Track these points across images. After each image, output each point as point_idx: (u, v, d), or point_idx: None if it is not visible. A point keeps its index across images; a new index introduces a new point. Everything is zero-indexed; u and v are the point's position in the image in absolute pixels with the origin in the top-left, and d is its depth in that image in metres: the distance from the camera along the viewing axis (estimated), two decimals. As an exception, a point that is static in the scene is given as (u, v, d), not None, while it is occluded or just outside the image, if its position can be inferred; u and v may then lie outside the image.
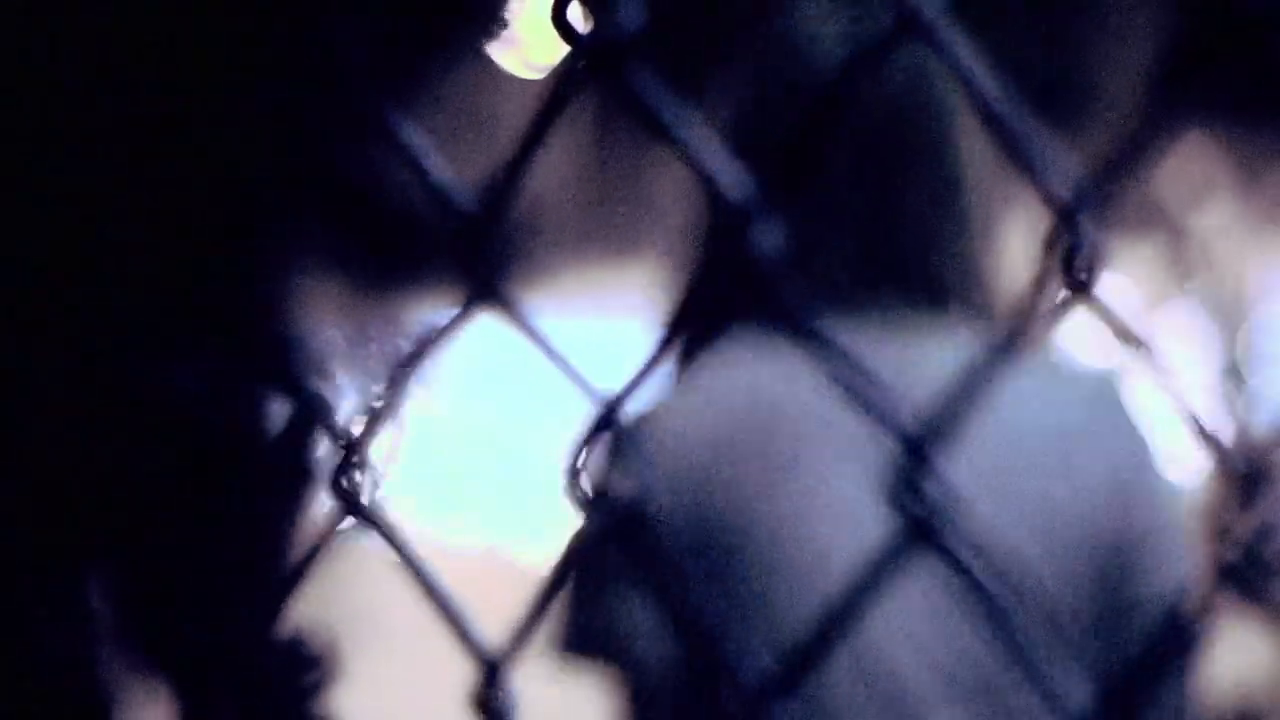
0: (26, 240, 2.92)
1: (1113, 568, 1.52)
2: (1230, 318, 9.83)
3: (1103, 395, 1.48)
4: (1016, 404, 1.32)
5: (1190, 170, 10.17)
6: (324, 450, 1.48)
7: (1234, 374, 10.02)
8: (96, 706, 2.07)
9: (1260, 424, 10.66)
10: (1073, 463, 1.43)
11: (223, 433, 1.79)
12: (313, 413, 1.55)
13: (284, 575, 1.41)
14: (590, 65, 0.94)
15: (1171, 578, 1.60)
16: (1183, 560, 1.63)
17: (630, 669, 1.49)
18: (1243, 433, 10.51)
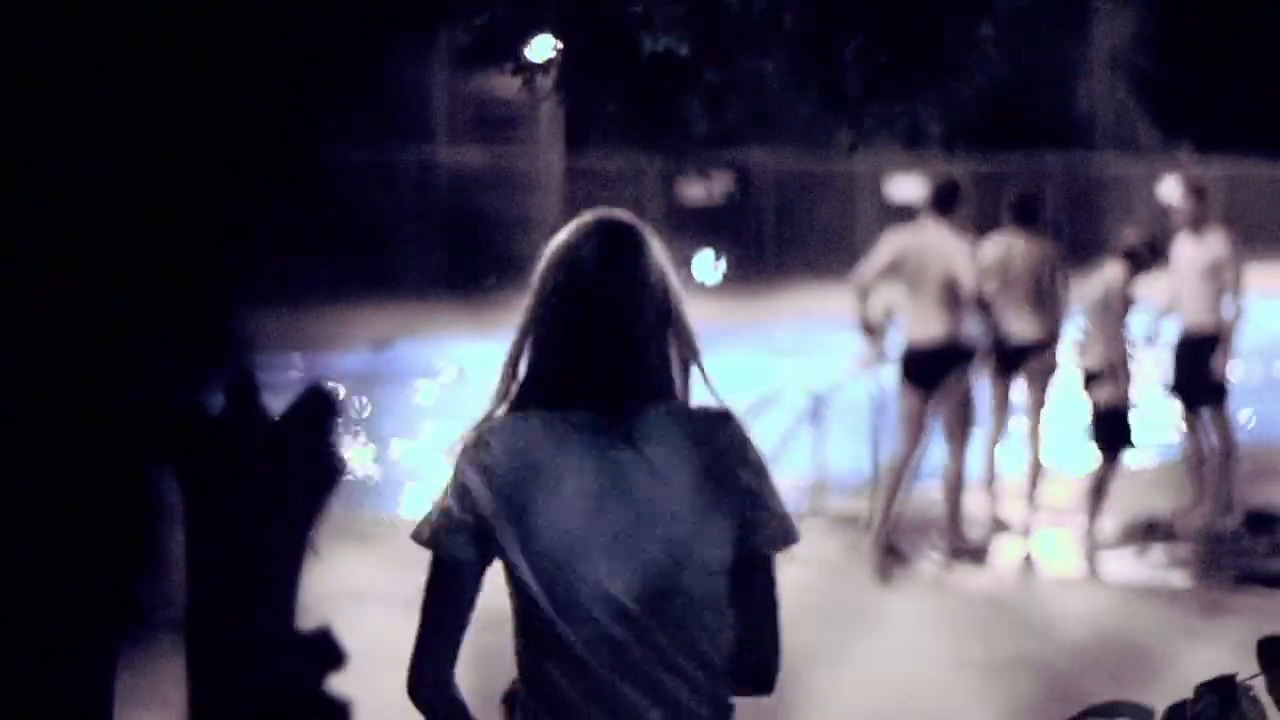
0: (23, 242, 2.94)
1: (742, 521, 2.70)
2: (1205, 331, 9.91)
3: (726, 422, 2.73)
4: (682, 427, 2.70)
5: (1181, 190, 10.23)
6: (334, 445, 1.53)
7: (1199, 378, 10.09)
8: (104, 698, 2.11)
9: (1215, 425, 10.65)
10: (714, 454, 2.69)
11: (228, 429, 1.83)
12: (320, 411, 1.59)
13: (292, 566, 1.45)
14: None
15: (775, 527, 2.73)
16: (777, 519, 2.73)
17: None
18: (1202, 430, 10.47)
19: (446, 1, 3.70)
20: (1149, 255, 9.70)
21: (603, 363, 2.69)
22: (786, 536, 2.77)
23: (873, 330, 9.47)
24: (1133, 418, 9.71)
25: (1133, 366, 9.71)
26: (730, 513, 2.70)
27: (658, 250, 2.77)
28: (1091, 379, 9.66)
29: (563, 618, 2.66)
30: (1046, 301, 9.74)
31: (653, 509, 2.67)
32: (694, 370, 2.76)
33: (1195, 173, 11.14)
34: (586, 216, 2.78)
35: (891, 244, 9.42)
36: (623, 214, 2.78)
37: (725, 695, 2.75)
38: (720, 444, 2.71)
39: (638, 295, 2.71)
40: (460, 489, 2.70)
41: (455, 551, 2.69)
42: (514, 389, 2.73)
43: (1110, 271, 9.64)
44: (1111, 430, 9.64)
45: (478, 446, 2.70)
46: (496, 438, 2.69)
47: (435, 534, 2.70)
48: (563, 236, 2.77)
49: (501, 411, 2.74)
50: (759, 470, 2.75)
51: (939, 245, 9.25)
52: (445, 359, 21.44)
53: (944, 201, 9.38)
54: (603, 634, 2.65)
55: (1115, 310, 9.57)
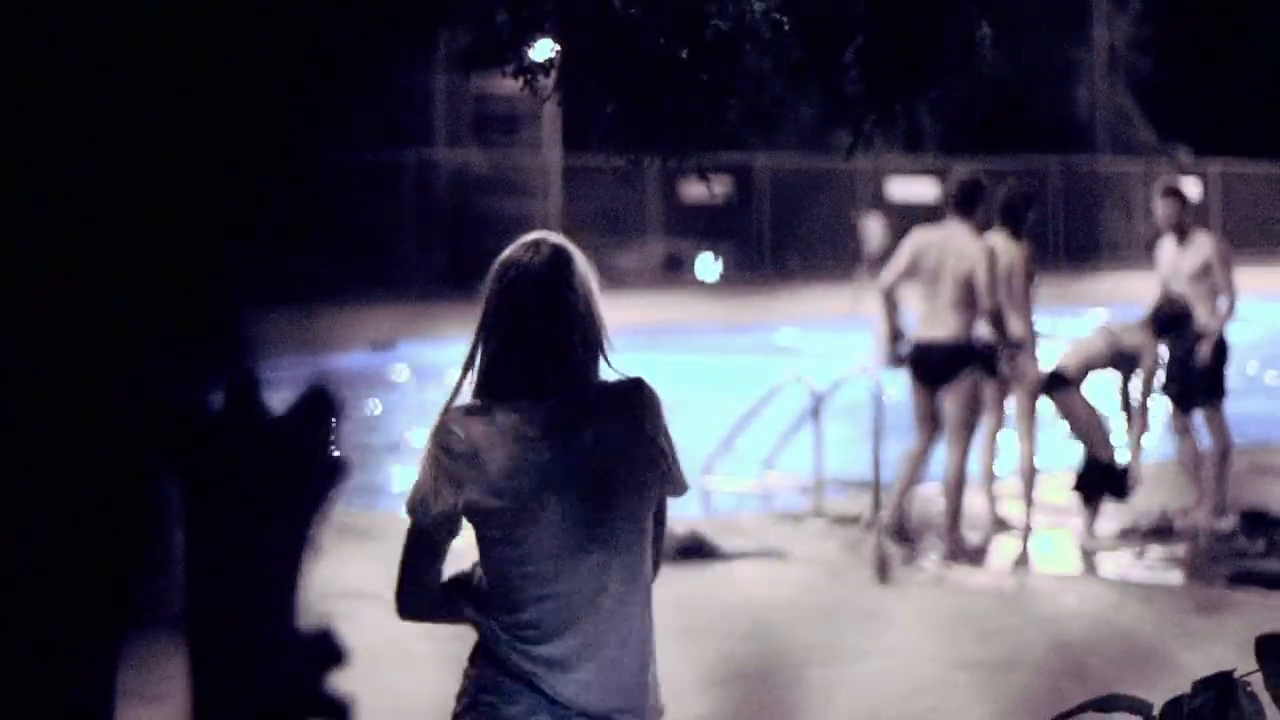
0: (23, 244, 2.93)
1: (656, 471, 3.32)
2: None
3: (640, 389, 3.31)
4: (607, 401, 3.30)
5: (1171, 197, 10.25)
6: (335, 445, 1.53)
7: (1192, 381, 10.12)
8: (105, 697, 2.11)
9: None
10: (632, 417, 3.31)
11: (228, 429, 1.83)
12: (321, 410, 1.60)
13: (293, 565, 1.46)
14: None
15: (678, 478, 3.36)
16: (678, 471, 3.35)
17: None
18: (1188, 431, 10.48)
19: (446, 3, 3.71)
20: (1177, 321, 9.76)
21: (539, 359, 3.28)
22: (682, 485, 3.37)
23: (896, 334, 9.54)
24: (1123, 470, 9.81)
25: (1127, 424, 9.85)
26: (648, 463, 3.30)
27: (581, 263, 3.35)
28: (1062, 382, 9.69)
29: (521, 560, 3.22)
30: (1026, 302, 9.76)
31: (590, 472, 3.24)
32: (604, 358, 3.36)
33: (1174, 177, 11.19)
34: (526, 237, 3.38)
35: (911, 244, 9.45)
36: (555, 236, 3.38)
37: (648, 607, 3.34)
38: (636, 408, 3.30)
39: (565, 302, 3.30)
40: (431, 467, 3.26)
41: (428, 519, 3.27)
42: (470, 382, 3.32)
43: (1140, 337, 9.71)
44: (1099, 481, 9.73)
45: (445, 432, 3.25)
46: (459, 424, 3.26)
47: (412, 506, 3.29)
48: (506, 254, 3.36)
49: (462, 401, 3.30)
50: (665, 429, 3.33)
51: (958, 245, 9.27)
52: (444, 359, 21.44)
53: (965, 201, 9.40)
54: (557, 563, 3.23)
55: (1144, 374, 9.72)
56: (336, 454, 2.74)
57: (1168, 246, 10.19)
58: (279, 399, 3.75)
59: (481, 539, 3.25)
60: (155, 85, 3.88)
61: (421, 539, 3.28)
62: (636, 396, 3.31)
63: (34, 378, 3.86)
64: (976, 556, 9.47)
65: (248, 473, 3.04)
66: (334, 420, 3.53)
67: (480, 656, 3.28)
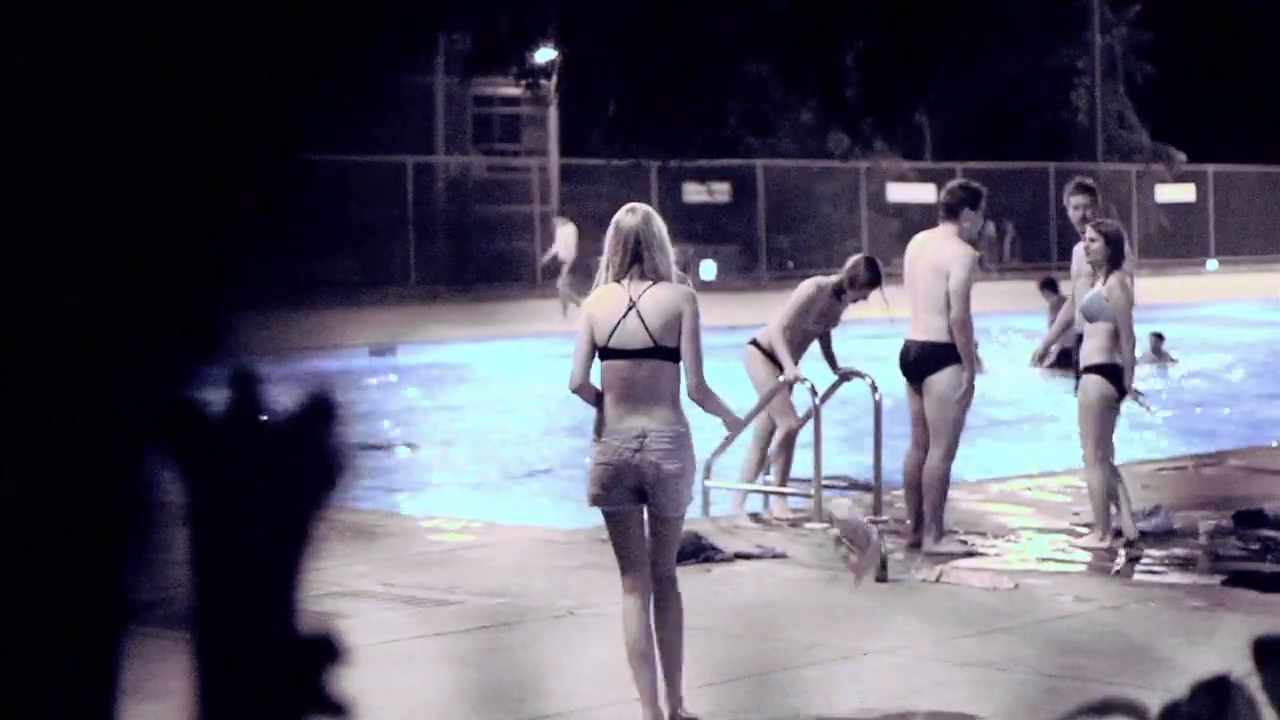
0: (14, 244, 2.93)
1: (684, 323, 6.75)
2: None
3: (688, 292, 6.66)
4: (668, 290, 6.73)
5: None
6: (335, 445, 1.53)
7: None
8: (106, 698, 2.12)
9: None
10: (679, 300, 6.72)
11: (228, 429, 1.83)
12: (321, 410, 1.60)
13: (293, 565, 1.46)
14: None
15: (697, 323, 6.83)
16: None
17: None
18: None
19: (448, 8, 3.73)
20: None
21: (632, 264, 6.42)
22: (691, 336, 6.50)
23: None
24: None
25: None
26: (679, 323, 6.37)
27: (658, 218, 6.55)
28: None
29: (606, 364, 6.38)
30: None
31: (648, 318, 6.36)
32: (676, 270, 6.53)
33: (1085, 175, 11.18)
34: (627, 205, 6.62)
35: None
36: (642, 205, 6.63)
37: (681, 412, 6.38)
38: (682, 298, 6.41)
39: (649, 236, 6.43)
40: (580, 316, 6.63)
41: (582, 332, 6.50)
42: (601, 278, 6.47)
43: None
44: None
45: (589, 299, 6.57)
46: (591, 295, 6.58)
47: (580, 329, 6.54)
48: (618, 214, 6.52)
49: (598, 286, 6.49)
50: (696, 311, 6.43)
51: (932, 250, 9.57)
52: (443, 361, 21.49)
53: (949, 207, 9.71)
54: (624, 372, 6.34)
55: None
56: (336, 454, 2.75)
57: (1079, 248, 10.10)
58: (279, 399, 3.78)
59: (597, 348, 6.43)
60: (155, 85, 3.89)
61: (581, 336, 6.42)
62: (683, 292, 6.42)
63: (33, 378, 3.87)
64: (976, 556, 9.49)
65: (248, 472, 3.05)
66: (334, 420, 3.54)
67: None
